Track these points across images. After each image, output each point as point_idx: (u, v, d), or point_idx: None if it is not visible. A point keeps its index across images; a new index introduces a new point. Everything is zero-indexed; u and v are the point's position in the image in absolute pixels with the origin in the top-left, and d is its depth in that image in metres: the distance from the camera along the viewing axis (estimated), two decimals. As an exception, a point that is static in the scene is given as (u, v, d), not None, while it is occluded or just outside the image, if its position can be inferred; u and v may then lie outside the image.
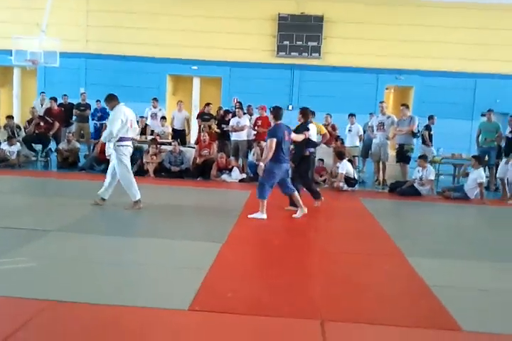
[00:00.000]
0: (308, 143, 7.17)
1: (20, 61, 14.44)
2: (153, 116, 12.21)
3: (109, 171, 6.69)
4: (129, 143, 6.59)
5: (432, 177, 9.05)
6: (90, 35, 16.74)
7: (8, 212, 6.09)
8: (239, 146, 10.32)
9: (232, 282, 4.04)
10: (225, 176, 9.74)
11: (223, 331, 3.13)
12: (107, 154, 6.72)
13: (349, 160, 9.85)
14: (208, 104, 12.31)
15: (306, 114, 7.36)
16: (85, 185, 6.72)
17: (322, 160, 10.03)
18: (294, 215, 6.59)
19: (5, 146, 10.43)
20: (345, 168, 9.29)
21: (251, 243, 5.35)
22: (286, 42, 15.87)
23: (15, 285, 3.71)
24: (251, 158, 10.13)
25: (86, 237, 5.17)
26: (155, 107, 12.39)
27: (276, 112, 6.60)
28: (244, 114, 10.90)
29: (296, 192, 6.66)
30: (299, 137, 6.91)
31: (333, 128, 11.53)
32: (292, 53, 15.96)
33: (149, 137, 11.36)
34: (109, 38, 16.50)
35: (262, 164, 6.31)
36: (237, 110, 10.66)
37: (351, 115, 11.27)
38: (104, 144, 10.33)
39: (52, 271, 4.08)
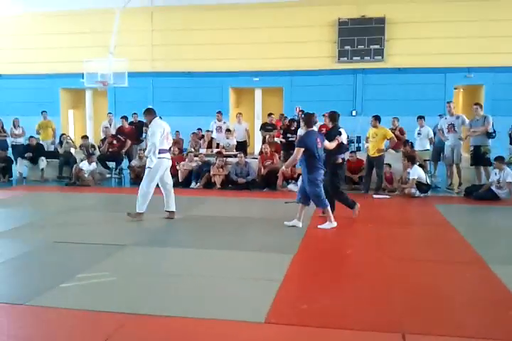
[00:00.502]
0: (340, 148, 6.89)
1: (91, 83, 15.26)
2: (218, 129, 12.43)
3: (159, 185, 6.84)
4: (167, 154, 6.78)
5: (511, 179, 8.52)
6: (156, 54, 17.38)
7: (86, 228, 6.39)
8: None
9: (307, 294, 3.98)
10: (291, 186, 9.70)
11: (301, 344, 3.09)
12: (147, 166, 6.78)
13: (420, 165, 9.50)
14: (270, 115, 12.38)
15: (334, 117, 7.11)
16: (157, 200, 7.00)
17: (389, 165, 9.74)
18: (319, 226, 6.37)
19: (84, 165, 10.89)
20: (416, 173, 8.97)
21: (322, 253, 5.25)
22: (348, 47, 15.68)
23: (97, 299, 3.86)
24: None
25: (161, 250, 5.32)
26: (219, 120, 12.61)
27: (308, 119, 6.50)
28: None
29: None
30: (332, 145, 6.66)
31: (401, 132, 11.20)
32: (354, 58, 15.73)
33: (215, 150, 11.57)
34: (173, 56, 17.07)
35: (283, 168, 7.08)
36: (301, 119, 10.56)
37: (420, 117, 10.90)
38: (174, 159, 10.76)
39: (130, 285, 4.22)
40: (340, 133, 6.93)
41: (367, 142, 10.02)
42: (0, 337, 3.18)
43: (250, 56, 16.44)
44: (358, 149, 13.53)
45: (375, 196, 9.10)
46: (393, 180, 9.72)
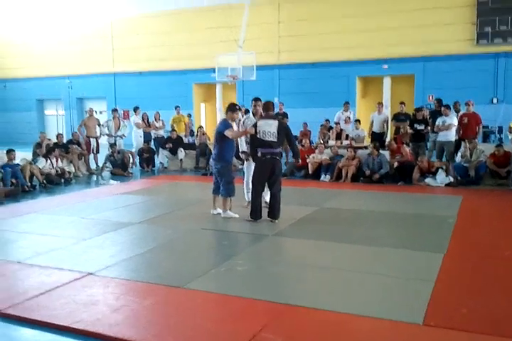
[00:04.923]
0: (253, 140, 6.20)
1: (222, 77, 15.86)
2: (347, 120, 12.18)
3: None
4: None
5: None
6: (282, 46, 17.55)
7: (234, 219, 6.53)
8: (444, 147, 9.57)
9: (464, 296, 3.73)
10: (428, 180, 9.17)
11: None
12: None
13: None
14: (402, 103, 11.81)
15: (266, 106, 6.33)
16: (294, 191, 7.13)
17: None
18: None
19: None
20: None
21: (476, 253, 4.88)
22: (488, 29, 14.42)
23: (249, 286, 3.99)
24: (458, 159, 9.35)
25: (303, 242, 5.34)
26: (346, 111, 12.35)
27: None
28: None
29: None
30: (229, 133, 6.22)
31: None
32: (495, 40, 14.42)
33: (345, 142, 11.37)
34: (298, 47, 17.12)
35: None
36: (443, 108, 9.90)
37: None
38: (302, 151, 10.77)
39: (278, 274, 4.31)
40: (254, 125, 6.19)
41: (510, 133, 9.14)
42: (166, 319, 3.41)
43: (378, 43, 15.89)
44: (500, 140, 12.44)
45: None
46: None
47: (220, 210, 6.55)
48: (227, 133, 6.24)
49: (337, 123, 11.88)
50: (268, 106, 6.34)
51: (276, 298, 3.67)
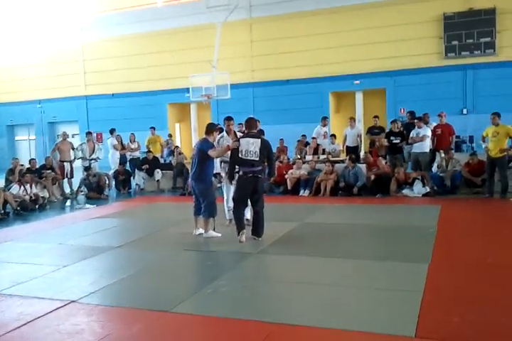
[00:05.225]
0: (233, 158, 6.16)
1: (196, 97, 15.90)
2: (325, 134, 12.28)
3: None
4: None
5: None
6: (255, 65, 17.73)
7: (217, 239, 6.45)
8: (418, 158, 9.71)
9: (454, 305, 3.74)
10: (406, 191, 9.29)
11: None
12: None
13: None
14: (375, 117, 11.99)
15: (249, 124, 6.29)
16: (276, 207, 7.16)
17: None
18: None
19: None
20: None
21: (460, 262, 4.91)
22: (455, 42, 14.85)
23: (237, 307, 3.91)
24: (435, 169, 9.51)
25: (285, 259, 5.29)
26: (324, 126, 12.45)
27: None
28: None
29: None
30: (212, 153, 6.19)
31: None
32: (463, 53, 14.85)
33: (322, 156, 11.44)
34: (271, 65, 17.30)
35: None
36: (416, 121, 10.07)
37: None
38: (280, 167, 10.80)
39: (264, 293, 4.24)
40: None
41: (483, 141, 9.34)
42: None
43: (349, 59, 16.19)
44: (472, 150, 12.71)
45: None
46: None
47: (202, 230, 6.46)
48: (211, 153, 6.17)
49: (314, 138, 11.97)
50: (250, 123, 6.25)
51: (266, 318, 3.61)
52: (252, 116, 6.94)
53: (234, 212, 6.24)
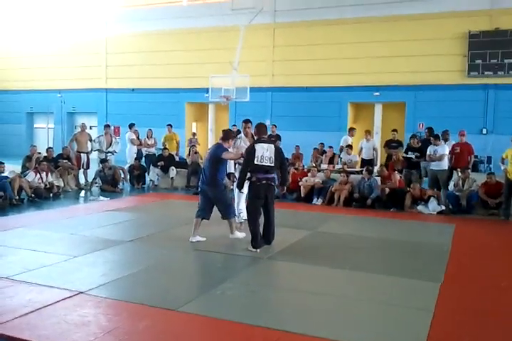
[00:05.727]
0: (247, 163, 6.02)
1: (215, 98, 15.92)
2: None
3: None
4: None
5: None
6: (276, 70, 17.73)
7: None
8: (437, 176, 9.57)
9: (466, 327, 3.69)
10: (420, 207, 9.19)
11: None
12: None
13: None
14: (394, 131, 11.92)
15: (259, 130, 6.14)
16: (285, 213, 7.13)
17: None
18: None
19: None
20: None
21: (473, 284, 4.83)
22: (479, 61, 14.73)
23: (244, 311, 3.90)
24: (451, 188, 9.40)
25: (296, 266, 5.27)
26: (352, 136, 12.35)
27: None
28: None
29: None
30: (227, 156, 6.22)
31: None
32: (486, 72, 14.73)
33: (337, 166, 11.40)
34: (292, 71, 17.28)
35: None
36: (432, 139, 9.98)
37: None
38: (295, 174, 10.77)
39: (271, 299, 4.23)
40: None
41: (502, 163, 9.22)
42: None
43: (371, 70, 16.09)
44: (490, 170, 12.58)
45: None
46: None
47: (199, 238, 6.29)
48: (225, 155, 6.15)
49: (331, 147, 11.95)
50: (261, 129, 6.11)
51: (273, 325, 3.60)
52: (261, 121, 6.81)
53: (249, 224, 5.99)
